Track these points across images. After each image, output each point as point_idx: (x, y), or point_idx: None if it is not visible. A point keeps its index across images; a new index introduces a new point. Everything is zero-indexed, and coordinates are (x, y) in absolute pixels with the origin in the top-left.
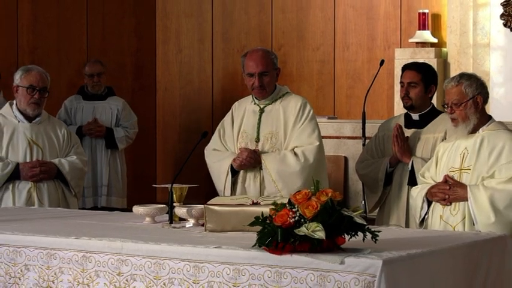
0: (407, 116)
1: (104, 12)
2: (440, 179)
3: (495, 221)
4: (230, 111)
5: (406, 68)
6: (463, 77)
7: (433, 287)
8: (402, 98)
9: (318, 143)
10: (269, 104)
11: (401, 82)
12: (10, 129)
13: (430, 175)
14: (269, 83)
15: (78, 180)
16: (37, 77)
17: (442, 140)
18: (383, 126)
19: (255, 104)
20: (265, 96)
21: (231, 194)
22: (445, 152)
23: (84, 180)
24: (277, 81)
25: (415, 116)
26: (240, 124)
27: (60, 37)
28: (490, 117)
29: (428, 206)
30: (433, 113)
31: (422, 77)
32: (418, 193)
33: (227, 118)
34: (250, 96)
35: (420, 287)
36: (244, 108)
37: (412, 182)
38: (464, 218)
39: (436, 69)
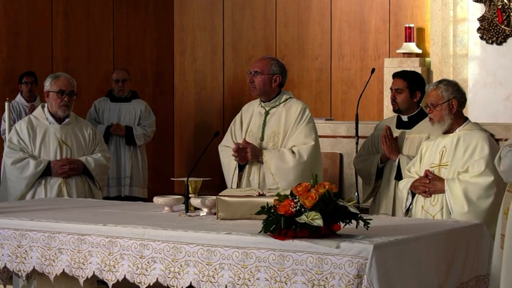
0: (398, 118)
1: (129, 26)
2: (423, 173)
3: (468, 210)
4: (240, 112)
5: (394, 76)
6: (442, 82)
7: (418, 268)
8: (391, 103)
9: (313, 143)
10: (273, 107)
11: (390, 88)
12: (42, 130)
13: (415, 170)
14: (260, 83)
15: (102, 175)
16: (65, 82)
17: (426, 140)
18: (378, 126)
19: (261, 106)
20: (257, 94)
21: (238, 186)
22: (428, 149)
23: (107, 175)
24: (279, 88)
25: (405, 118)
26: (248, 124)
27: (90, 49)
28: (466, 119)
29: (413, 197)
30: (421, 116)
31: (408, 84)
32: (404, 186)
33: (237, 118)
34: (259, 99)
35: (406, 269)
36: (253, 110)
37: (399, 176)
38: (442, 208)
39: None
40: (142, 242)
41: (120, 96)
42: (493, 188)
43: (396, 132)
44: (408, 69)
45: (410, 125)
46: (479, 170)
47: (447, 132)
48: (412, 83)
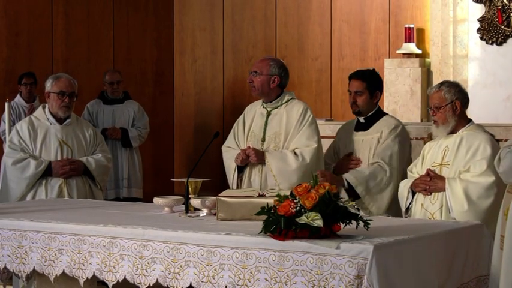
0: (357, 120)
1: (129, 26)
2: (425, 172)
3: (468, 209)
4: (243, 112)
5: (351, 77)
6: (444, 84)
7: (418, 269)
8: (351, 105)
9: (315, 145)
10: (275, 108)
11: (348, 90)
12: (43, 130)
13: (416, 170)
14: (258, 83)
15: (103, 175)
16: (66, 83)
17: (378, 140)
18: (340, 131)
19: (263, 107)
20: (256, 94)
21: (239, 187)
22: (430, 149)
23: (108, 175)
24: (280, 88)
25: (362, 119)
26: (250, 125)
27: (90, 49)
28: (470, 120)
29: (413, 196)
30: (377, 116)
31: (367, 85)
32: (404, 185)
33: (240, 119)
34: (261, 100)
35: (406, 269)
36: (255, 111)
37: (355, 195)
38: (442, 206)
39: (420, 77)
40: (143, 242)
41: (113, 98)
42: (494, 188)
43: (356, 135)
44: (408, 69)
45: (366, 126)
46: (481, 169)
47: (451, 133)
48: (370, 83)
